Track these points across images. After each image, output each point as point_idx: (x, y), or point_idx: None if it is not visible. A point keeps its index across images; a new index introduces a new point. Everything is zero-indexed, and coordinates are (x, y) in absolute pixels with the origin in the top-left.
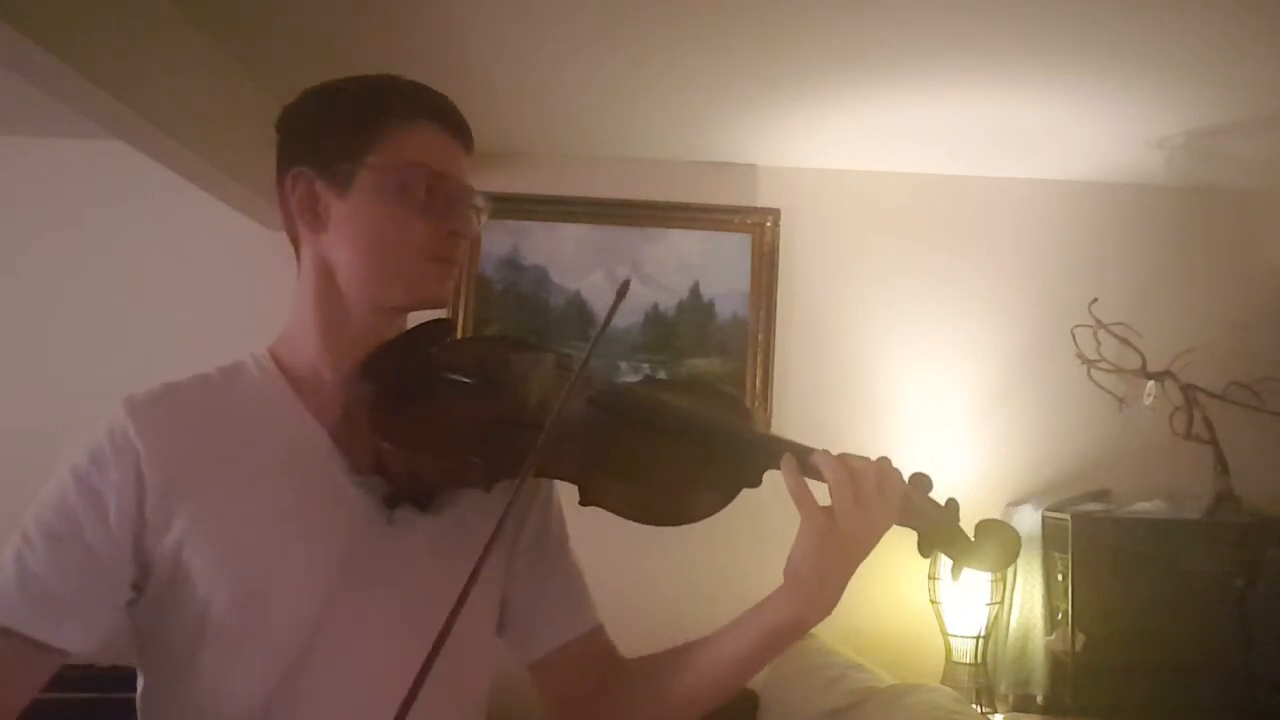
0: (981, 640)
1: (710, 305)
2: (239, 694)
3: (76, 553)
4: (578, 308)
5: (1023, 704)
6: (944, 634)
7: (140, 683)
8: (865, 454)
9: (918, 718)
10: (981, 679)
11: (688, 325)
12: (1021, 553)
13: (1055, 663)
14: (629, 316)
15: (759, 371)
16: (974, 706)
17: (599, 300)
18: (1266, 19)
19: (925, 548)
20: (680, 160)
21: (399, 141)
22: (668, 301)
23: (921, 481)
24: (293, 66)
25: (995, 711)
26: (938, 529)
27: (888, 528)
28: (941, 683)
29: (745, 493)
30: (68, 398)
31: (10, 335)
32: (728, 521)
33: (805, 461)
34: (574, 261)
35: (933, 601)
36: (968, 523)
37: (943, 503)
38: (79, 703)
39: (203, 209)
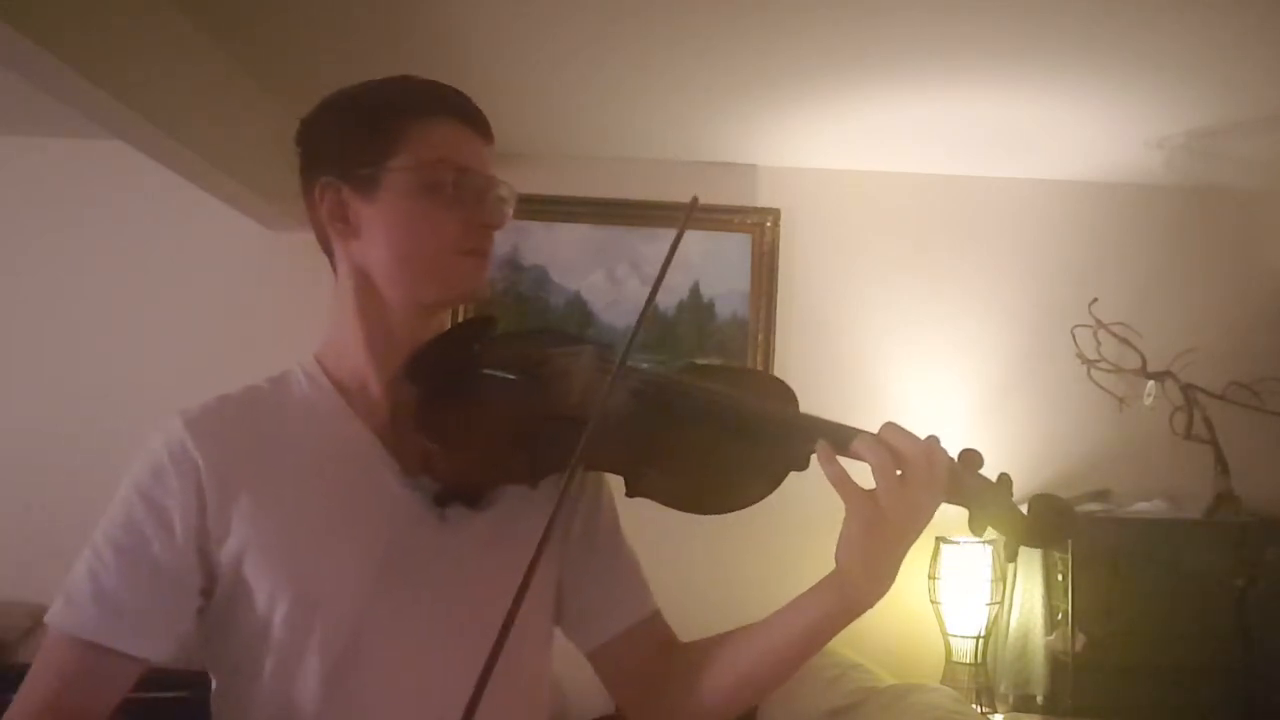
0: (981, 640)
1: (710, 305)
2: (301, 693)
3: (146, 565)
4: (578, 308)
5: (1023, 704)
6: (944, 634)
7: (213, 684)
8: None
9: (918, 718)
10: (981, 679)
11: (688, 325)
12: (1023, 552)
13: (1055, 663)
14: (628, 316)
15: None
16: (974, 706)
17: (599, 300)
18: (1266, 19)
19: (977, 526)
20: (680, 160)
21: (420, 140)
22: (668, 301)
23: (972, 459)
24: (293, 66)
25: (995, 711)
26: (990, 507)
27: (936, 509)
28: (941, 683)
29: (793, 476)
30: (68, 397)
31: (10, 335)
32: (776, 506)
33: (846, 446)
34: (574, 261)
35: (933, 601)
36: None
37: (994, 479)
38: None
39: (203, 209)
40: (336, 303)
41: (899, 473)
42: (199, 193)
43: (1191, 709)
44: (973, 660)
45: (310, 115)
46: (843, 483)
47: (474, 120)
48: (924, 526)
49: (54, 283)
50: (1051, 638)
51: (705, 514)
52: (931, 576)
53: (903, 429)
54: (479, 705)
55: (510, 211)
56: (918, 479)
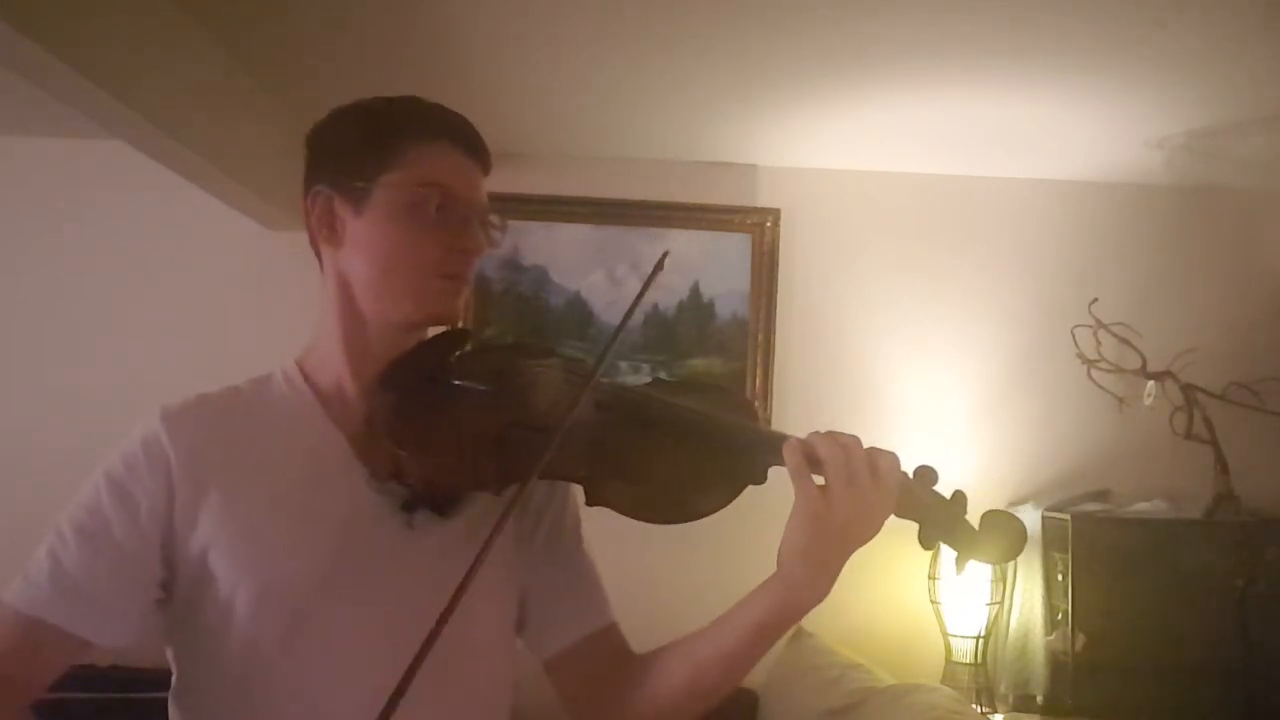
0: (981, 640)
1: (710, 305)
2: (260, 688)
3: (107, 550)
4: (578, 308)
5: (1023, 704)
6: (944, 634)
7: (174, 679)
8: None
9: (918, 718)
10: (981, 679)
11: (688, 325)
12: (1022, 553)
13: (1055, 663)
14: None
15: (759, 371)
16: (974, 706)
17: (599, 300)
18: (1266, 19)
19: (927, 540)
20: (680, 160)
21: (414, 161)
22: (668, 301)
23: (926, 474)
24: (294, 66)
25: (995, 711)
26: (940, 521)
27: (884, 515)
28: (941, 683)
29: (752, 490)
30: (67, 398)
31: (10, 335)
32: (736, 518)
33: (804, 445)
34: (574, 261)
35: (933, 601)
36: (973, 514)
37: (949, 495)
38: (77, 702)
39: (203, 209)
40: (320, 307)
41: (848, 472)
42: (199, 193)
43: (1191, 709)
44: (973, 660)
45: (320, 122)
46: (800, 472)
47: (472, 147)
48: (868, 532)
49: (54, 283)
50: (1051, 638)
51: (662, 524)
52: (931, 576)
53: (852, 436)
54: (425, 705)
55: (498, 239)
56: (863, 479)
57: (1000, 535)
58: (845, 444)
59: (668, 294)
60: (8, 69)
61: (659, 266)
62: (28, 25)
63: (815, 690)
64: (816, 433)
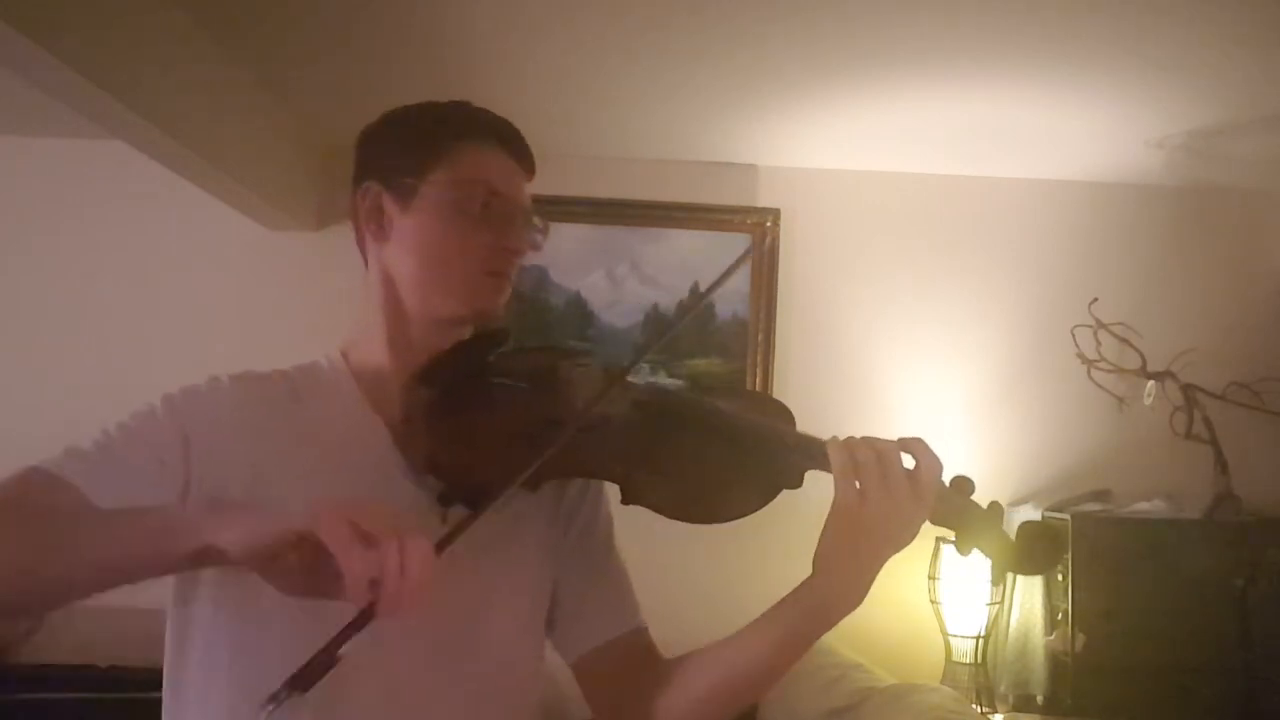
0: (981, 640)
1: (710, 305)
2: (274, 664)
3: (148, 452)
4: (578, 308)
5: (1023, 704)
6: (944, 634)
7: (168, 660)
8: None
9: (918, 718)
10: (981, 679)
11: (688, 325)
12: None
13: (1055, 663)
14: (628, 316)
15: (759, 371)
16: (974, 706)
17: (599, 300)
18: (1267, 19)
19: (964, 547)
20: (680, 160)
21: (461, 160)
22: (668, 301)
23: (963, 484)
24: (293, 67)
25: (995, 711)
26: (977, 532)
27: (920, 520)
28: (941, 683)
29: (789, 495)
30: (67, 398)
31: (9, 336)
32: (771, 522)
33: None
34: (574, 261)
35: (933, 601)
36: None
37: (985, 505)
38: (77, 703)
39: (203, 209)
40: (364, 301)
41: (882, 473)
42: (199, 193)
43: (1191, 709)
44: (973, 660)
45: (370, 125)
46: (844, 471)
47: (518, 151)
48: (904, 535)
49: (53, 283)
50: (1051, 638)
51: (697, 524)
52: (931, 576)
53: (889, 440)
54: (456, 702)
55: (541, 241)
56: (899, 481)
57: (1036, 548)
58: (881, 450)
59: (668, 294)
60: (8, 69)
61: (746, 256)
62: (28, 25)
63: (816, 690)
64: (853, 437)
